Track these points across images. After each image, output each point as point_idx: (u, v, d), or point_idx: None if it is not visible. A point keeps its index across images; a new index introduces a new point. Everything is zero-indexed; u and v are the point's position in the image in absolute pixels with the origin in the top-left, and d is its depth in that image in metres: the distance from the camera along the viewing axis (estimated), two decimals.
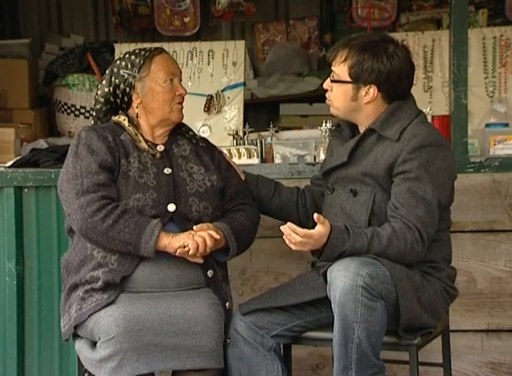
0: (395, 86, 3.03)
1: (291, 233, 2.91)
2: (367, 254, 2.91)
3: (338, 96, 3.07)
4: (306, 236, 2.90)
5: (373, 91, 3.02)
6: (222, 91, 4.90)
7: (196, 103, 4.82)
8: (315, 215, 2.91)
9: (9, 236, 3.84)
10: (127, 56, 3.22)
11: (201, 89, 4.89)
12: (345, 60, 3.03)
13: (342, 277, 2.82)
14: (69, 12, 6.64)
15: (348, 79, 3.03)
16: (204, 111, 4.86)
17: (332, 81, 3.08)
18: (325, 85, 3.11)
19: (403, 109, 3.05)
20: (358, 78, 3.02)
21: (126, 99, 3.20)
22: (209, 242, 3.01)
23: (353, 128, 3.17)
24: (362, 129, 3.11)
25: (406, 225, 2.92)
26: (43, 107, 5.43)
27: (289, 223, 2.93)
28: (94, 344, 3.00)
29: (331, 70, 3.09)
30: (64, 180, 3.11)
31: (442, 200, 3.00)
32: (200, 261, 3.05)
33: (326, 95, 3.12)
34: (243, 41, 5.09)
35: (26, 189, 3.86)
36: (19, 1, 6.55)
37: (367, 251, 2.91)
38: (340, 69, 3.05)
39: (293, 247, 2.93)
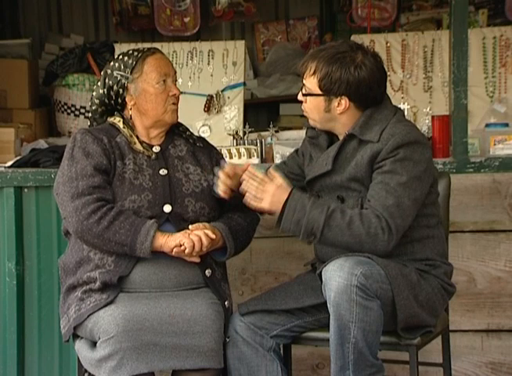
0: (366, 95, 3.02)
1: (250, 177, 2.95)
2: (326, 226, 2.88)
3: (312, 108, 3.07)
4: (263, 181, 2.94)
5: (344, 102, 3.02)
6: (222, 91, 4.90)
7: (196, 103, 4.82)
8: (269, 170, 2.97)
9: (9, 236, 3.84)
10: (120, 57, 3.22)
11: (201, 89, 4.90)
12: (314, 73, 3.02)
13: (336, 277, 2.82)
14: (69, 12, 6.64)
15: (319, 92, 3.03)
16: (204, 111, 4.87)
17: (303, 95, 3.08)
18: (299, 98, 3.11)
19: (380, 111, 3.05)
20: (328, 90, 3.01)
21: (120, 100, 3.20)
22: (205, 241, 3.01)
23: (330, 134, 3.16)
24: (341, 137, 3.10)
25: (374, 214, 2.90)
26: (43, 107, 5.43)
27: (249, 167, 2.98)
28: (94, 344, 3.00)
29: (303, 84, 3.08)
30: (60, 183, 3.11)
31: (417, 193, 2.96)
32: (197, 260, 3.05)
33: (302, 107, 3.11)
34: (243, 41, 5.10)
35: (26, 189, 3.86)
36: (19, 1, 6.55)
37: (325, 223, 2.88)
38: (311, 82, 3.04)
39: (253, 202, 2.95)
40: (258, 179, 2.97)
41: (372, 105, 3.05)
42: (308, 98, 3.06)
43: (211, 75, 4.93)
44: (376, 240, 2.90)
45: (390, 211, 2.90)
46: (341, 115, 3.04)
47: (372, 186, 2.96)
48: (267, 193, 2.96)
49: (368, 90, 3.01)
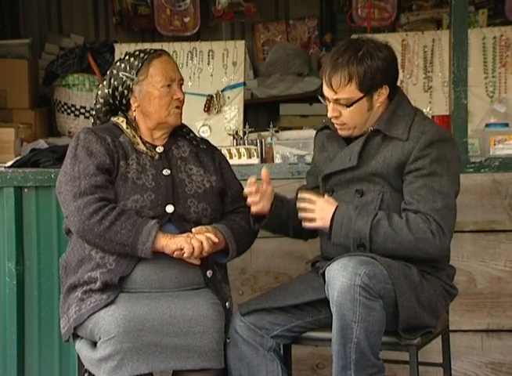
0: (397, 73, 3.04)
1: (300, 200, 3.01)
2: (374, 235, 2.90)
3: (354, 116, 3.01)
4: (311, 200, 2.98)
5: (385, 90, 3.01)
6: (222, 91, 4.90)
7: (196, 103, 4.83)
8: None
9: (9, 236, 3.84)
10: (126, 57, 3.21)
11: (201, 89, 4.90)
12: (351, 80, 2.96)
13: (340, 277, 2.82)
14: (69, 12, 6.64)
15: (360, 95, 2.98)
16: (204, 111, 4.87)
17: (347, 107, 2.99)
18: (331, 114, 3.02)
19: (401, 107, 3.05)
20: (370, 88, 2.97)
21: (124, 101, 3.19)
22: (206, 245, 3.01)
23: None
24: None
25: (422, 218, 2.91)
26: (43, 107, 5.44)
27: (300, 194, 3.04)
28: (94, 344, 3.00)
29: (330, 99, 3.00)
30: (62, 182, 3.11)
31: (456, 190, 3.02)
32: (197, 262, 3.05)
33: (335, 121, 3.04)
34: (243, 41, 5.10)
35: (26, 189, 3.86)
36: (19, 1, 6.55)
37: (372, 232, 2.90)
38: (348, 91, 2.97)
39: (307, 223, 3.01)
40: (307, 199, 3.00)
41: (396, 87, 3.06)
42: (350, 108, 2.99)
43: (211, 75, 4.94)
44: (427, 244, 2.92)
45: (441, 213, 2.91)
46: (379, 107, 3.03)
47: (413, 190, 2.95)
48: (316, 211, 2.99)
49: (397, 67, 3.04)
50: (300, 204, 3.03)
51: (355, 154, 3.03)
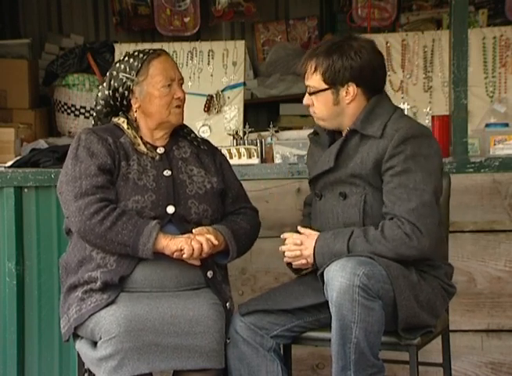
0: (371, 78, 3.03)
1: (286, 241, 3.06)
2: (355, 252, 2.91)
3: (320, 106, 3.07)
4: (294, 239, 3.03)
5: (352, 89, 3.03)
6: (222, 91, 4.90)
7: (196, 103, 4.83)
8: (298, 228, 3.05)
9: (9, 236, 3.84)
10: (126, 58, 3.21)
11: (201, 89, 4.90)
12: (316, 70, 3.03)
13: (339, 277, 2.82)
14: (69, 12, 6.64)
15: (325, 86, 3.03)
16: (204, 111, 4.87)
17: (310, 94, 3.07)
18: (305, 102, 3.11)
19: (380, 105, 3.06)
20: (333, 81, 3.02)
21: (125, 102, 3.19)
22: (206, 247, 3.01)
23: (331, 133, 3.16)
24: (344, 133, 3.10)
25: (398, 221, 2.91)
26: (43, 107, 5.44)
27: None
28: (94, 344, 3.00)
29: (306, 85, 3.08)
30: (63, 182, 3.11)
31: (438, 185, 2.99)
32: (197, 263, 3.05)
33: (310, 110, 3.11)
34: (243, 41, 5.10)
35: (26, 189, 3.86)
36: (19, 1, 6.55)
37: (349, 252, 2.91)
38: (314, 80, 3.05)
39: (295, 261, 3.06)
40: (291, 240, 3.04)
41: (376, 91, 3.05)
42: (314, 97, 3.06)
43: (211, 75, 4.94)
44: (405, 248, 2.91)
45: (416, 213, 2.90)
46: (350, 105, 3.04)
47: (390, 191, 2.95)
48: (301, 248, 3.03)
49: (372, 73, 3.03)
50: (282, 247, 3.08)
51: (332, 156, 3.05)
